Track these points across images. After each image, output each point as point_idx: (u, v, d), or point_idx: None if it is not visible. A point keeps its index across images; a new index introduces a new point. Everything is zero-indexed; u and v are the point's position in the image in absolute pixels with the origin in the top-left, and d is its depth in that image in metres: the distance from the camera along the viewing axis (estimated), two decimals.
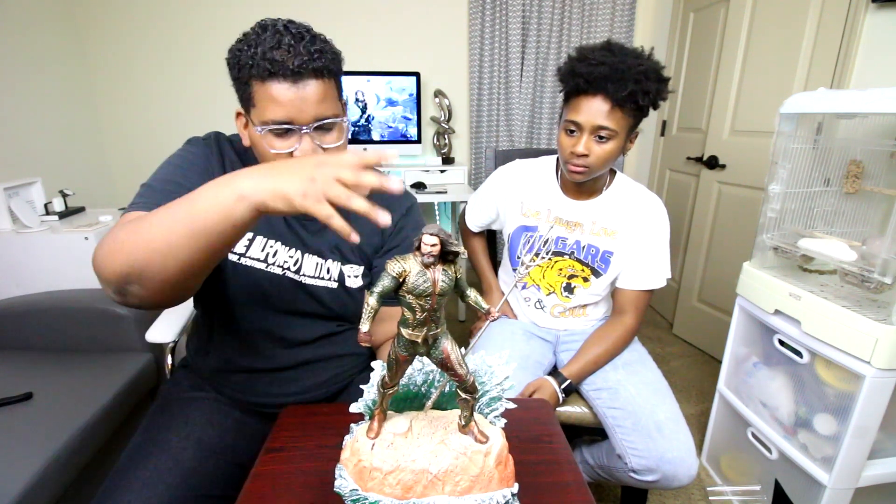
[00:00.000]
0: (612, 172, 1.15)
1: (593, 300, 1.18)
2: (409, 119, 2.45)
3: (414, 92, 2.40)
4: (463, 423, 0.51)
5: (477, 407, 0.56)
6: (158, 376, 1.34)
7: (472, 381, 0.49)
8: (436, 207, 2.65)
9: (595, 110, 0.95)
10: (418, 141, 2.49)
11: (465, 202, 1.39)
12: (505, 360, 0.58)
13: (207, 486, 0.73)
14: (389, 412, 0.55)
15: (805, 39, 1.64)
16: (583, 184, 1.09)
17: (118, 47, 2.37)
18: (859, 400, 0.98)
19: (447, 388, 0.57)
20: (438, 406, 0.57)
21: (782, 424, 1.19)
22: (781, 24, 1.73)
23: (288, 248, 0.80)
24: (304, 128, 0.67)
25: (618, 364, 1.09)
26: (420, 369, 0.58)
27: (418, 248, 0.43)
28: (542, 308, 1.20)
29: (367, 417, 0.55)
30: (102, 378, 1.18)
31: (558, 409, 1.08)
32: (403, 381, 0.55)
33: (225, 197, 0.50)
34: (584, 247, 1.12)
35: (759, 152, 1.82)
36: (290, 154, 0.68)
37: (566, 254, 1.14)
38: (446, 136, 2.61)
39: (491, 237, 1.46)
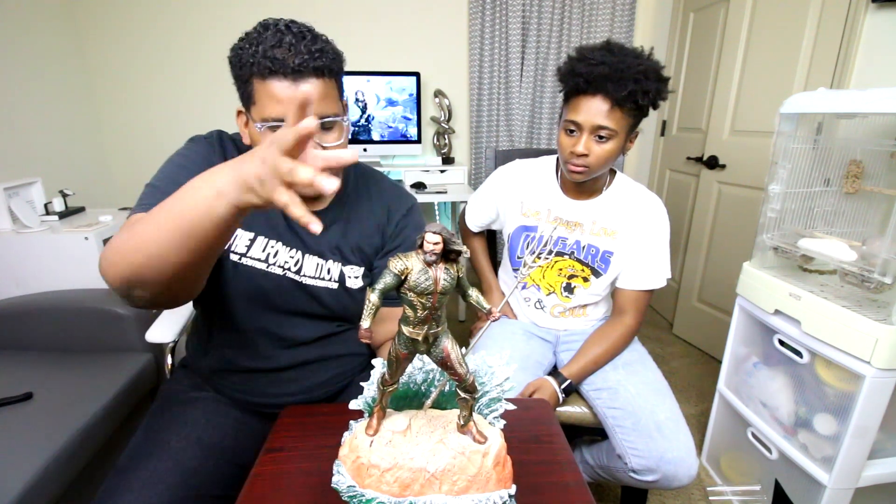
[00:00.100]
0: (612, 172, 1.15)
1: (593, 300, 1.18)
2: (409, 119, 2.45)
3: (414, 92, 2.40)
4: (462, 422, 0.51)
5: (476, 407, 0.56)
6: (158, 376, 1.34)
7: (472, 381, 0.49)
8: (436, 207, 2.65)
9: (595, 110, 0.95)
10: (418, 141, 2.49)
11: (465, 202, 1.39)
12: (506, 361, 0.58)
13: (207, 486, 0.73)
14: (389, 410, 0.55)
15: (805, 39, 1.64)
16: (583, 184, 1.09)
17: (118, 47, 2.37)
18: (859, 400, 0.98)
19: (447, 388, 0.57)
20: (438, 405, 0.57)
21: (782, 424, 1.19)
22: (781, 24, 1.73)
23: (289, 248, 0.80)
24: None
25: (618, 364, 1.09)
26: (420, 368, 0.58)
27: (421, 246, 0.43)
28: (542, 308, 1.20)
29: (366, 415, 0.55)
30: (102, 378, 1.18)
31: (558, 409, 1.08)
32: (403, 379, 0.56)
33: (205, 196, 0.49)
34: (584, 247, 1.12)
35: (759, 152, 1.82)
36: None
37: (566, 254, 1.14)
38: (446, 136, 2.61)
39: (491, 237, 1.46)
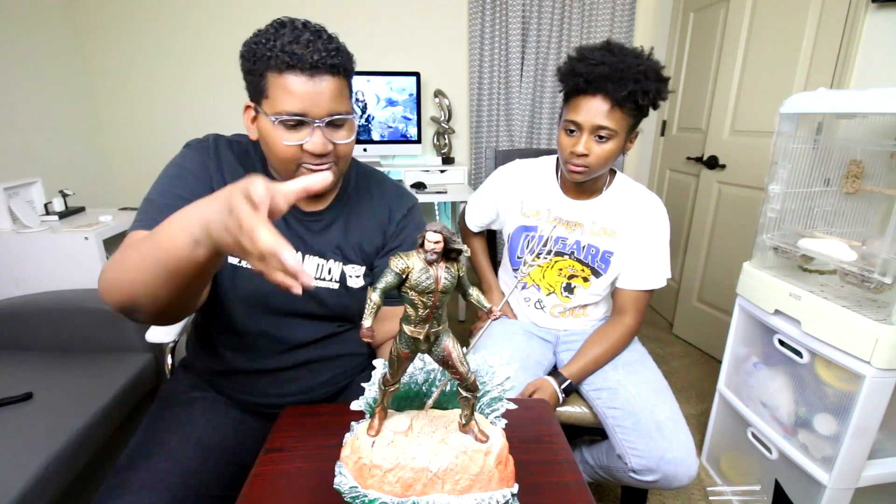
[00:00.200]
0: (612, 172, 1.15)
1: (593, 300, 1.18)
2: (409, 119, 2.45)
3: (414, 92, 2.40)
4: (463, 422, 0.51)
5: (478, 407, 0.56)
6: (158, 376, 1.34)
7: (473, 380, 0.49)
8: (436, 207, 2.65)
9: (595, 110, 0.95)
10: (418, 141, 2.49)
11: (465, 202, 1.39)
12: (506, 361, 0.58)
13: (207, 486, 0.73)
14: (390, 410, 0.55)
15: (805, 39, 1.65)
16: (583, 184, 1.09)
17: (118, 47, 2.37)
18: (859, 400, 0.98)
19: (448, 388, 0.57)
20: (439, 405, 0.57)
21: (782, 424, 1.19)
22: (781, 24, 1.73)
23: None
24: (317, 121, 0.68)
25: (618, 364, 1.09)
26: (421, 368, 0.58)
27: (422, 245, 0.43)
28: (542, 308, 1.20)
29: (367, 415, 0.55)
30: (102, 378, 1.18)
31: (558, 409, 1.08)
32: (405, 379, 0.56)
33: (184, 243, 0.49)
34: (584, 247, 1.12)
35: (759, 152, 1.82)
36: (301, 147, 0.69)
37: (566, 254, 1.14)
38: (446, 136, 2.61)
39: (491, 237, 1.46)
